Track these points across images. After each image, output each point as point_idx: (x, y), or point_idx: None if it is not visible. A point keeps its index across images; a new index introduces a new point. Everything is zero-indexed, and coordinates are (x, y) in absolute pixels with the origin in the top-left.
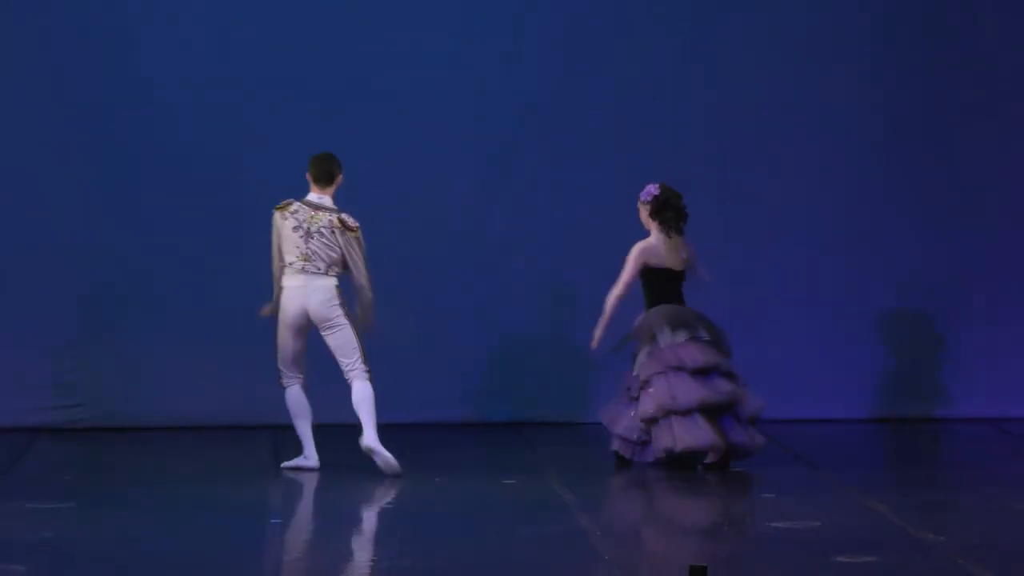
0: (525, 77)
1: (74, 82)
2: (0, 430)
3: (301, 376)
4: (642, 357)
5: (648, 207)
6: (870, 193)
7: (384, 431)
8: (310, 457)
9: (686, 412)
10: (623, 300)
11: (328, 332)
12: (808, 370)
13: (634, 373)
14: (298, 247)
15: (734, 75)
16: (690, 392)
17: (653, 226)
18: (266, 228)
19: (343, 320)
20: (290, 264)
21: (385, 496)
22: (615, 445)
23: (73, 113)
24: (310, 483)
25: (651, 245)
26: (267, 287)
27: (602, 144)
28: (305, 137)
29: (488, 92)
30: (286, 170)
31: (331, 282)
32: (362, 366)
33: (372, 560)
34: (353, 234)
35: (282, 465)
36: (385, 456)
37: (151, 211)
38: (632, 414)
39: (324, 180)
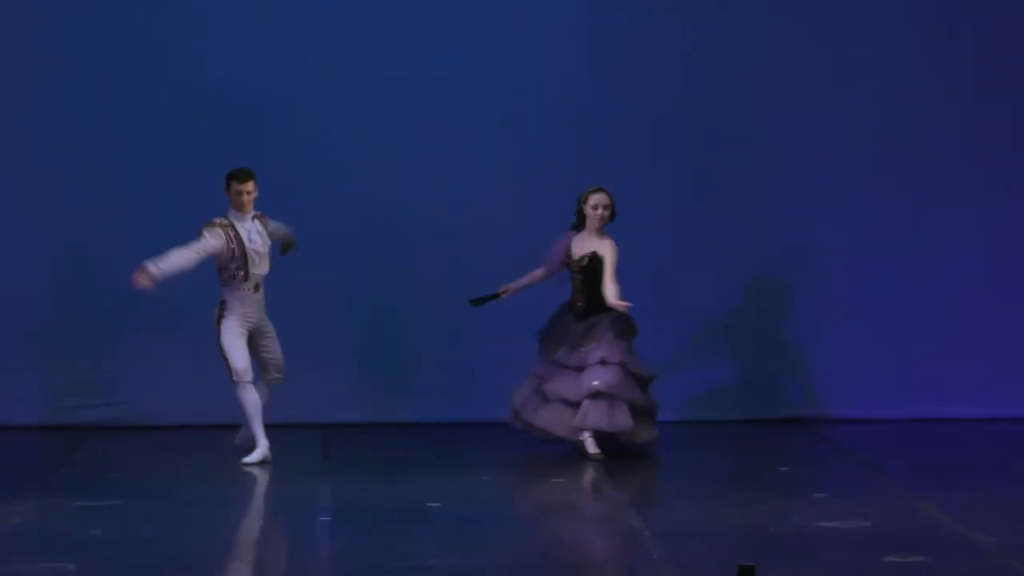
0: (554, 74)
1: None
2: (50, 428)
3: None
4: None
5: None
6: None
7: (431, 429)
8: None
9: None
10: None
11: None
12: (861, 369)
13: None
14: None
15: (761, 70)
16: None
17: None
18: (305, 227)
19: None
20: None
21: (433, 495)
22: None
23: (119, 108)
24: (359, 481)
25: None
26: (310, 287)
27: (636, 142)
28: (327, 135)
29: (517, 90)
30: (309, 169)
31: None
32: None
33: (419, 558)
34: None
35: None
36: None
37: (196, 211)
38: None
39: None
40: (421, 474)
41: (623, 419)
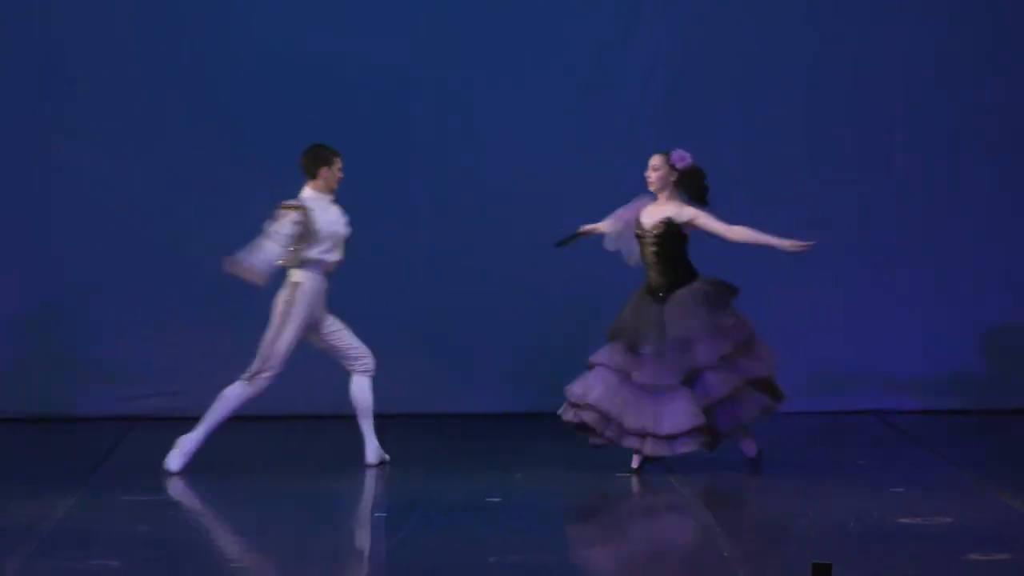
0: (645, 58)
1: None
2: (97, 419)
3: None
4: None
5: (676, 174)
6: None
7: (492, 420)
8: None
9: None
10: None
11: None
12: (942, 359)
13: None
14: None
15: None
16: None
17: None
18: (372, 223)
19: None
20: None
21: (492, 489)
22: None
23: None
24: (416, 475)
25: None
26: (370, 278)
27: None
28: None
29: (606, 72)
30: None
31: None
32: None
33: (478, 556)
34: None
35: None
36: None
37: (251, 203)
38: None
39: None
40: (481, 467)
41: None
